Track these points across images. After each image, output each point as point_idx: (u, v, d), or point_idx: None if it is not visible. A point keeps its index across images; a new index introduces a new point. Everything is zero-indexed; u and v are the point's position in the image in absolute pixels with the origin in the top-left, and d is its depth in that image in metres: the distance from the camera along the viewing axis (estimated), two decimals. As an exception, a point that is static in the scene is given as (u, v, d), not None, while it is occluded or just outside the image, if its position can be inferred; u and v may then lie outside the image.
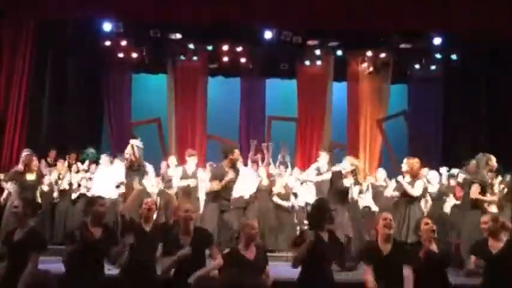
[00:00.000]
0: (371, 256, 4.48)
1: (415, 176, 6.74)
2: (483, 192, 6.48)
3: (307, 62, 11.80)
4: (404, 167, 6.81)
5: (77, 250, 4.31)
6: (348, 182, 6.82)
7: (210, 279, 3.28)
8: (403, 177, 6.77)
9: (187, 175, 7.93)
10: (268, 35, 10.42)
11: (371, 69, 11.79)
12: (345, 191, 6.80)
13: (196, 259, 4.49)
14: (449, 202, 8.11)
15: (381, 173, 9.29)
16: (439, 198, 7.94)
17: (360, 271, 5.60)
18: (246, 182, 7.99)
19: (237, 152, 6.89)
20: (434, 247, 4.59)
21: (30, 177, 7.12)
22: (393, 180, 7.32)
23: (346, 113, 12.13)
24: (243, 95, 12.16)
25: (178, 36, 10.71)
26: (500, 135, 10.41)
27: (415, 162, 6.80)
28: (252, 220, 5.14)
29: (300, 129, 12.03)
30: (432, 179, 7.91)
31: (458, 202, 7.65)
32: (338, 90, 12.09)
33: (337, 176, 6.89)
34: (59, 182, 8.56)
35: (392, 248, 4.45)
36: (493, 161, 6.62)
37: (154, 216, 5.96)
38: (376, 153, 11.85)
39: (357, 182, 7.06)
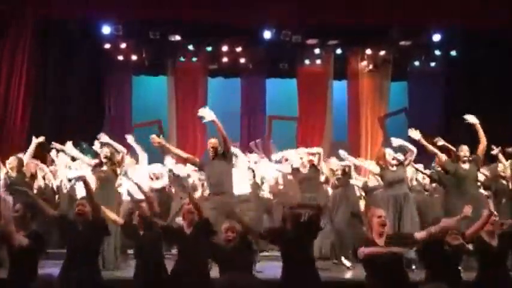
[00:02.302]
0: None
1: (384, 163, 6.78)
2: None
3: (307, 61, 11.79)
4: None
5: None
6: None
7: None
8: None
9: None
10: (267, 34, 10.42)
11: (371, 66, 11.78)
12: None
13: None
14: None
15: None
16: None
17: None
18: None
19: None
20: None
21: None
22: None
23: (347, 111, 12.14)
24: (243, 95, 12.15)
25: (178, 37, 10.71)
26: (502, 130, 10.35)
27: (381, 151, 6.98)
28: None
29: (300, 128, 12.01)
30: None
31: None
32: (338, 88, 12.09)
33: None
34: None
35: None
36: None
37: None
38: (378, 150, 11.82)
39: None
